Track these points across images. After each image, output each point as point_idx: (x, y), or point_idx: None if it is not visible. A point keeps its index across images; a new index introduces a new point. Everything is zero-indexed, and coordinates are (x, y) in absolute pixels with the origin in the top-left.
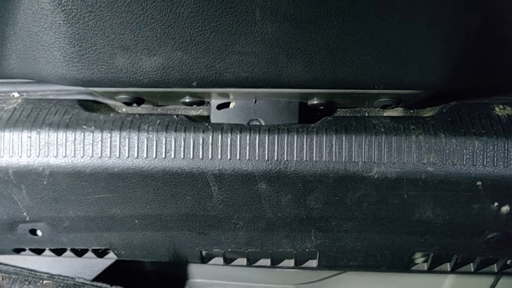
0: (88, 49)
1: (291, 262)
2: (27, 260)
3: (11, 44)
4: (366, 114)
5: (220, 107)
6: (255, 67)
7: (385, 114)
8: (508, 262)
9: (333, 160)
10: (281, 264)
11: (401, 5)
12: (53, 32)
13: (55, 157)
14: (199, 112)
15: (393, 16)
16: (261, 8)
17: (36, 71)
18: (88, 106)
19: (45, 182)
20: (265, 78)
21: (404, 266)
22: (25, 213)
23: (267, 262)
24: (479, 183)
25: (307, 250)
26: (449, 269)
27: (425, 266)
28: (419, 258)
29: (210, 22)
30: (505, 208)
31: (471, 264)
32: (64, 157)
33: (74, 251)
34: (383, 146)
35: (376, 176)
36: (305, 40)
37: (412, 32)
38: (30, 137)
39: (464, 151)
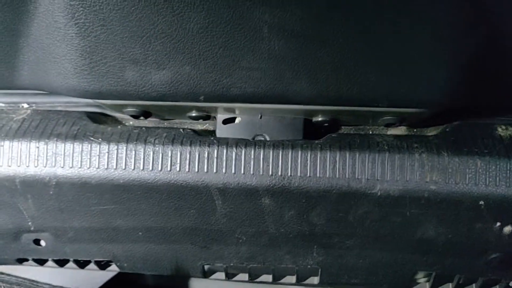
0: (99, 62)
1: (292, 279)
2: (29, 271)
3: (24, 56)
4: (370, 132)
5: (226, 121)
6: (261, 82)
7: (389, 133)
8: (511, 283)
9: (337, 176)
10: (283, 281)
11: (406, 25)
12: (65, 44)
13: (62, 167)
14: (205, 126)
15: (398, 35)
16: (269, 25)
17: (47, 82)
18: (96, 118)
19: (51, 192)
20: (271, 94)
21: (406, 285)
22: (30, 223)
23: (269, 278)
24: (481, 202)
25: (309, 266)
26: None
27: (427, 286)
28: (421, 278)
29: (219, 38)
30: (507, 229)
31: (473, 285)
32: (71, 167)
33: (77, 262)
34: (386, 164)
35: (379, 194)
36: (311, 57)
37: (416, 52)
38: (38, 147)
39: (467, 170)
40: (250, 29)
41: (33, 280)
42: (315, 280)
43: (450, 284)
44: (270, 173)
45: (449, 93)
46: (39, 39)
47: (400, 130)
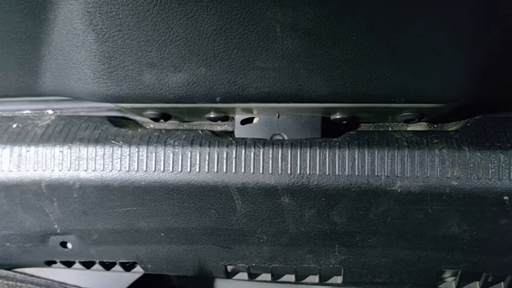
0: (117, 67)
1: (315, 278)
2: (57, 273)
3: (46, 63)
4: (389, 129)
5: (243, 122)
6: (277, 82)
7: (408, 129)
8: None
9: (356, 174)
10: (306, 280)
11: (423, 20)
12: (84, 50)
13: (85, 171)
14: (223, 127)
15: (415, 30)
16: (281, 24)
17: (69, 88)
18: (117, 122)
19: (75, 195)
20: (287, 93)
21: (431, 283)
22: (56, 226)
23: (292, 278)
24: (506, 197)
25: (331, 266)
26: None
27: (454, 285)
28: (447, 276)
29: (233, 39)
30: None
31: (502, 283)
32: (94, 171)
33: (103, 264)
34: (406, 160)
35: (399, 190)
36: (325, 55)
37: (435, 45)
38: (62, 151)
39: (490, 165)
40: (263, 29)
41: (61, 282)
42: (338, 279)
43: (478, 282)
44: (289, 172)
45: (469, 87)
46: (60, 46)
47: (420, 126)
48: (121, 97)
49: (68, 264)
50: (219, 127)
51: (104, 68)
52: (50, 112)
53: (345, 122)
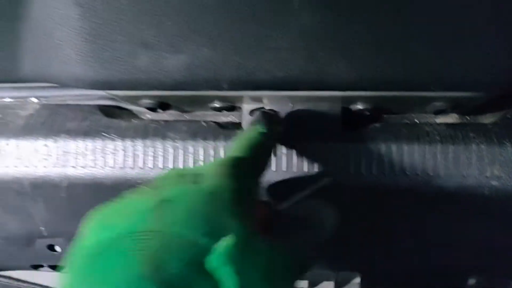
0: (105, 47)
1: (330, 285)
2: (46, 277)
3: (25, 43)
4: (416, 121)
5: (252, 112)
6: (292, 65)
7: (438, 121)
8: None
9: (382, 172)
10: (319, 287)
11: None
12: (66, 28)
13: (74, 167)
14: (229, 118)
15: (451, 8)
16: None
17: (51, 72)
18: (109, 112)
19: (63, 195)
20: (303, 78)
21: None
22: (42, 228)
23: (305, 284)
24: None
25: (348, 271)
26: None
27: None
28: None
29: (241, 13)
30: None
31: None
32: (83, 167)
33: None
34: (438, 157)
35: (431, 190)
36: (348, 33)
37: (473, 26)
38: (46, 145)
39: None
40: (278, 2)
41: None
42: (355, 285)
43: None
44: (306, 170)
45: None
46: (40, 23)
47: (451, 118)
48: (110, 83)
49: (57, 268)
50: (224, 117)
51: (91, 48)
52: (35, 100)
53: (367, 113)
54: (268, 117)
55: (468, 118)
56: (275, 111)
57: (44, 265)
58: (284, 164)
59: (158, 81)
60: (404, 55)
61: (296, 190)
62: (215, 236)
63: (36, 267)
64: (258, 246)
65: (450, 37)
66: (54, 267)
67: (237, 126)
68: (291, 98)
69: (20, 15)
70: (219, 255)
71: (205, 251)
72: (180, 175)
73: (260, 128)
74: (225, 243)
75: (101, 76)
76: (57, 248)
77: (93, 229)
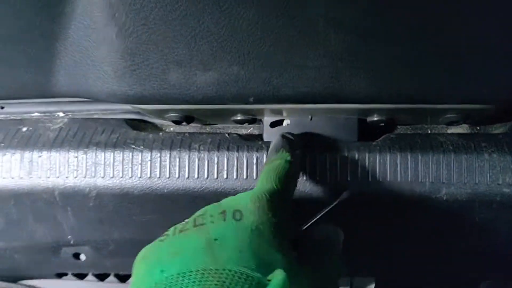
0: (140, 64)
1: None
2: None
3: (61, 61)
4: (429, 131)
5: (273, 124)
6: (316, 82)
7: (449, 131)
8: None
9: (398, 180)
10: None
11: (473, 19)
12: (104, 46)
13: (102, 177)
14: (249, 130)
15: (465, 29)
16: (325, 18)
17: (86, 88)
18: (135, 125)
19: (91, 204)
20: (326, 93)
21: None
22: (69, 236)
23: None
24: None
25: (363, 277)
26: None
27: None
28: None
29: (270, 34)
30: None
31: None
32: (112, 177)
33: (117, 276)
34: (452, 165)
35: (444, 198)
36: (371, 53)
37: (486, 44)
38: (77, 157)
39: None
40: (305, 23)
41: None
42: None
43: None
44: (328, 179)
45: None
46: (77, 42)
47: (462, 129)
48: (144, 97)
49: (81, 276)
50: (245, 130)
51: (126, 65)
52: (61, 114)
53: (382, 124)
54: (290, 142)
55: (478, 128)
56: (294, 135)
57: (69, 273)
58: (302, 177)
59: (188, 96)
60: (422, 73)
61: (316, 204)
62: (266, 269)
63: (60, 275)
64: (300, 271)
65: (462, 53)
66: (78, 275)
67: (258, 137)
68: (310, 110)
69: (58, 34)
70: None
71: (259, 284)
72: (221, 212)
73: (286, 156)
74: (279, 276)
75: (135, 91)
76: (82, 257)
77: (147, 270)
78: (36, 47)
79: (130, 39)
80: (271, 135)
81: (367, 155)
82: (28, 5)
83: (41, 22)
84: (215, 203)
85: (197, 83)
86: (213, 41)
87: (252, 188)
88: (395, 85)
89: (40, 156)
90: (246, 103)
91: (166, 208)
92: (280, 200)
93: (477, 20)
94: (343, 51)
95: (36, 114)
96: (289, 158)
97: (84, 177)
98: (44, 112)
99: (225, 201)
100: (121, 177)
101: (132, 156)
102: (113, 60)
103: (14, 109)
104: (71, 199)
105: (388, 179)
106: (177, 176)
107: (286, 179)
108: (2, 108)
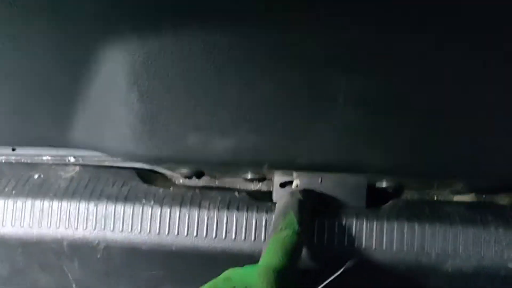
0: (160, 128)
1: None
2: None
3: (79, 116)
4: (435, 197)
5: (283, 185)
6: (331, 153)
7: (455, 198)
8: None
9: (404, 249)
10: None
11: (482, 103)
12: (125, 108)
13: (112, 231)
14: (258, 186)
15: (475, 112)
16: (345, 93)
17: (101, 145)
18: (146, 176)
19: (98, 256)
20: (340, 163)
21: None
22: (74, 286)
23: None
24: None
25: None
26: None
27: None
28: None
29: (289, 106)
30: None
31: None
32: (121, 231)
33: None
34: (458, 237)
35: (449, 270)
36: (387, 129)
37: (491, 124)
38: (87, 208)
39: None
40: (324, 97)
41: None
42: None
43: None
44: (335, 244)
45: None
46: (97, 101)
47: (468, 197)
48: (160, 159)
49: None
50: (254, 186)
51: (146, 129)
52: (72, 159)
53: (390, 191)
54: (299, 205)
55: (484, 197)
56: (303, 195)
57: None
58: (314, 237)
59: (205, 160)
60: (434, 149)
61: (321, 271)
62: None
63: None
64: None
65: (474, 136)
66: None
67: (266, 195)
68: (321, 174)
69: (79, 92)
70: None
71: None
72: None
73: (295, 226)
74: None
75: (152, 153)
76: None
77: None
78: (56, 102)
79: (151, 105)
80: (281, 196)
81: (375, 223)
82: (54, 61)
83: (64, 80)
84: (225, 276)
85: (214, 149)
86: (233, 110)
87: (259, 251)
88: (408, 160)
89: (50, 206)
90: (261, 169)
91: (174, 265)
92: (290, 277)
93: (485, 107)
94: (360, 125)
95: (47, 157)
96: (297, 229)
97: (94, 229)
98: (55, 156)
99: (234, 275)
100: (130, 232)
101: (142, 211)
102: (132, 122)
103: (26, 151)
104: (79, 250)
105: (394, 249)
106: (185, 234)
107: (294, 254)
108: (14, 150)
